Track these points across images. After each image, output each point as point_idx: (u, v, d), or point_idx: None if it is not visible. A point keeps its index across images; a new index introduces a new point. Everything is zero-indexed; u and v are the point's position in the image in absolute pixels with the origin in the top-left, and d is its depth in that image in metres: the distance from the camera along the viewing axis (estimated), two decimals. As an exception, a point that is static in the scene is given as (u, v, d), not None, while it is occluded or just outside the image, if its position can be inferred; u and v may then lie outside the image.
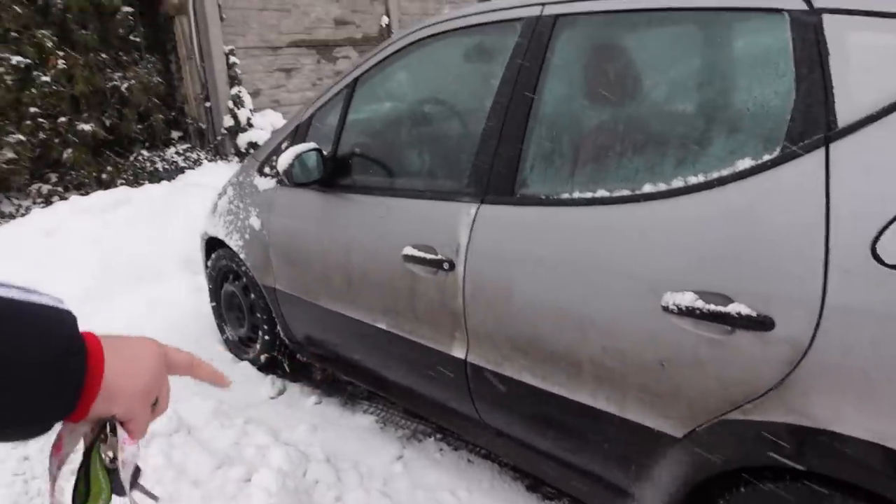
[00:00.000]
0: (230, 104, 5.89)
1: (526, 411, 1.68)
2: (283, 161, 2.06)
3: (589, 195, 1.48)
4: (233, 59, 5.97)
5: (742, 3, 1.30)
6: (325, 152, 2.15)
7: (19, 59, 4.49)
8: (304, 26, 6.83)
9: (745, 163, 1.25)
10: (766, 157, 1.22)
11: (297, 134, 2.40)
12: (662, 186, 1.36)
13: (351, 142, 2.15)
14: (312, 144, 2.13)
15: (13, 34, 4.50)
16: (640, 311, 1.34)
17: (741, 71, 1.40)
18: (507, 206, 1.64)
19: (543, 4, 1.66)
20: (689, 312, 1.26)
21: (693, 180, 1.32)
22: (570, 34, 1.61)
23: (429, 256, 1.78)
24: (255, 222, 2.55)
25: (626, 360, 1.38)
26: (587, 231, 1.46)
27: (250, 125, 5.86)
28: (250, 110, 5.94)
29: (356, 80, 2.16)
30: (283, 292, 2.51)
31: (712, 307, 1.23)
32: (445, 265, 1.74)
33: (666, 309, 1.29)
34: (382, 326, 2.03)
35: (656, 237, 1.34)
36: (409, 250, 1.83)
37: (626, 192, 1.41)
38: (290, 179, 2.06)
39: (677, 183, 1.34)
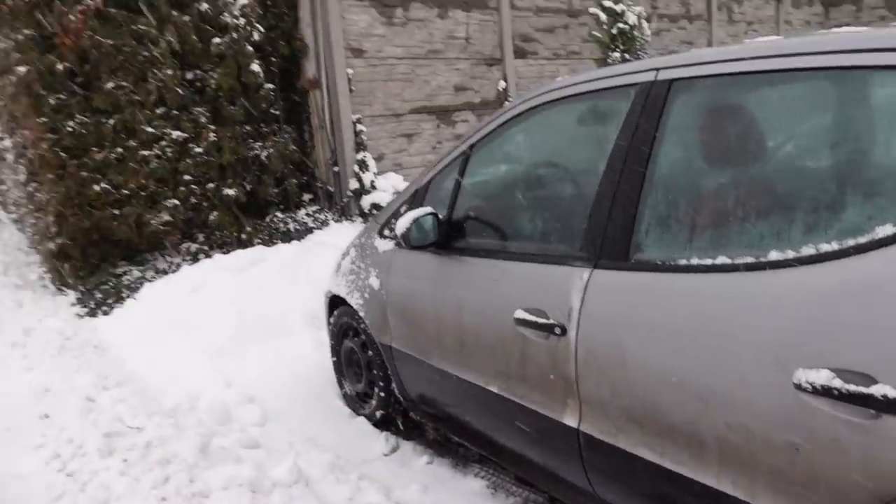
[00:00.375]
0: (356, 168, 6.27)
1: (644, 488, 1.59)
2: (401, 225, 2.16)
3: (709, 262, 1.42)
4: (359, 126, 6.40)
5: (869, 60, 1.23)
6: (440, 216, 2.23)
7: (178, 133, 5.10)
8: (426, 94, 7.21)
9: (887, 229, 1.15)
10: (912, 223, 1.12)
11: (416, 198, 2.51)
12: (791, 254, 1.28)
13: (466, 206, 2.22)
14: (428, 209, 2.22)
15: (174, 112, 5.12)
16: (768, 387, 1.25)
17: (876, 131, 1.31)
18: (621, 272, 1.61)
19: (658, 70, 1.66)
20: (825, 392, 1.16)
21: (826, 248, 1.23)
22: (685, 98, 1.59)
23: (540, 321, 1.77)
24: (374, 282, 2.67)
25: (753, 439, 1.27)
26: (708, 299, 1.40)
27: (374, 187, 6.19)
28: (374, 174, 6.28)
29: (472, 146, 2.24)
30: (398, 350, 2.58)
31: (852, 388, 1.13)
32: (557, 330, 1.72)
33: (798, 387, 1.20)
34: (493, 389, 2.03)
35: (786, 308, 1.25)
36: (520, 314, 1.84)
37: (749, 259, 1.34)
38: (406, 242, 2.15)
39: (808, 250, 1.26)
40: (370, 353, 2.83)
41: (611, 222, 1.66)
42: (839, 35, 1.39)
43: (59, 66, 4.57)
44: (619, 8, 9.79)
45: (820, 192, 1.32)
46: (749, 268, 1.34)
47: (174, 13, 5.06)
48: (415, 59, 7.15)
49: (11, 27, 4.55)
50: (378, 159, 6.63)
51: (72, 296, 4.94)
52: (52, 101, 4.60)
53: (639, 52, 10.16)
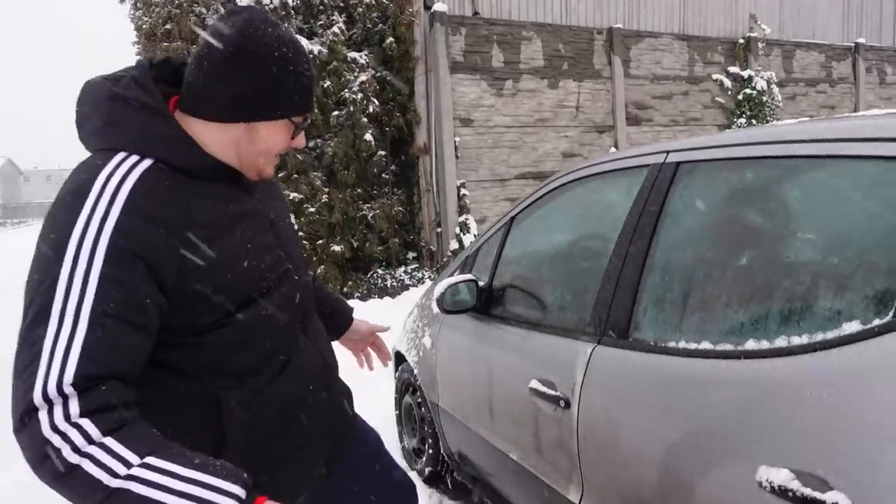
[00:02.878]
0: (457, 230, 6.53)
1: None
2: (438, 290, 2.29)
3: (693, 346, 1.41)
4: (463, 191, 6.69)
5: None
6: (482, 282, 2.34)
7: (296, 194, 5.66)
8: (532, 160, 7.40)
9: (853, 326, 1.11)
10: (877, 322, 1.07)
11: (466, 265, 2.63)
12: (765, 344, 1.25)
13: (502, 274, 2.31)
14: (468, 276, 2.34)
15: (294, 176, 5.71)
16: (735, 484, 1.21)
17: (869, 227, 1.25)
18: (619, 349, 1.62)
19: (668, 152, 1.69)
20: (782, 493, 1.11)
21: (796, 340, 1.20)
22: (688, 181, 1.60)
23: (549, 392, 1.80)
24: (427, 341, 2.80)
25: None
26: (688, 385, 1.38)
27: (472, 249, 6.42)
28: (475, 235, 6.51)
29: (512, 218, 2.34)
30: (444, 409, 2.67)
31: (808, 492, 1.07)
32: (562, 403, 1.74)
33: (760, 485, 1.15)
34: (513, 457, 2.05)
35: (753, 400, 1.22)
36: (534, 383, 1.87)
37: (728, 347, 1.32)
38: (440, 306, 2.28)
39: (780, 342, 1.22)
40: (423, 409, 2.94)
41: (615, 299, 1.68)
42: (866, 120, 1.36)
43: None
44: (746, 73, 9.50)
45: (795, 283, 1.28)
46: (726, 355, 1.31)
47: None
48: (523, 127, 7.39)
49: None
50: (480, 221, 6.86)
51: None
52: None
53: (768, 119, 9.72)
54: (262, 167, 1.17)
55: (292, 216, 1.42)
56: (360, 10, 6.56)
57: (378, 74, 6.48)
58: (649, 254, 1.62)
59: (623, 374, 1.58)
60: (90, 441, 0.90)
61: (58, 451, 0.88)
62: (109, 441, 0.90)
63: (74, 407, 0.90)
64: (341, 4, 6.53)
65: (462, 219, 6.61)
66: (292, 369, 1.24)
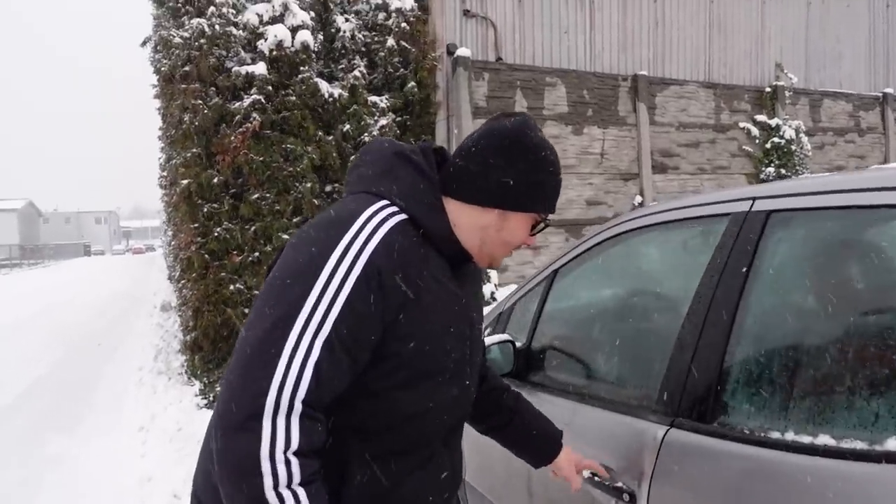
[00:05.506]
0: (478, 279, 6.28)
1: None
2: (471, 352, 2.01)
3: (808, 440, 1.11)
4: (485, 238, 6.47)
5: None
6: (519, 343, 2.06)
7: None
8: (557, 207, 7.17)
9: None
10: None
11: (499, 322, 2.36)
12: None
13: (544, 336, 2.03)
14: (506, 336, 2.06)
15: (310, 217, 5.53)
16: None
17: None
18: (700, 435, 1.33)
19: (754, 199, 1.43)
20: None
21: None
22: (784, 234, 1.33)
23: (607, 482, 1.50)
24: (453, 407, 2.50)
25: None
26: (805, 492, 1.08)
27: (493, 299, 6.10)
28: (495, 285, 6.23)
29: (555, 272, 2.08)
30: (470, 485, 2.35)
31: None
32: (626, 497, 1.44)
33: None
34: (559, 554, 1.73)
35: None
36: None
37: (860, 445, 1.03)
38: (474, 372, 1.99)
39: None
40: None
41: (691, 374, 1.39)
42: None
43: (215, 180, 5.14)
44: (773, 122, 9.32)
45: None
46: (858, 456, 1.02)
47: (320, 134, 5.56)
48: (546, 174, 7.19)
49: (183, 146, 5.25)
50: (501, 271, 6.59)
51: (196, 386, 5.27)
52: (206, 209, 5.15)
53: (797, 168, 9.48)
54: (497, 257, 1.25)
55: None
56: (382, 54, 6.48)
57: (398, 119, 6.35)
58: (736, 320, 1.34)
59: (706, 469, 1.28)
60: (289, 484, 0.92)
61: (261, 477, 0.90)
62: (301, 492, 0.92)
63: (295, 438, 0.92)
64: (363, 49, 6.47)
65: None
66: (430, 470, 1.20)
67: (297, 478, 0.92)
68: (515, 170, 1.16)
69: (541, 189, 1.20)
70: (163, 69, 5.47)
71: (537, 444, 1.56)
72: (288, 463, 0.91)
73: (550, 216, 1.31)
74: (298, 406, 0.93)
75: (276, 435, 0.91)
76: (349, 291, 0.98)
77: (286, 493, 0.91)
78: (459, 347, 1.18)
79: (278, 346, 0.94)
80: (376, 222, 1.05)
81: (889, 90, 10.69)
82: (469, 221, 1.17)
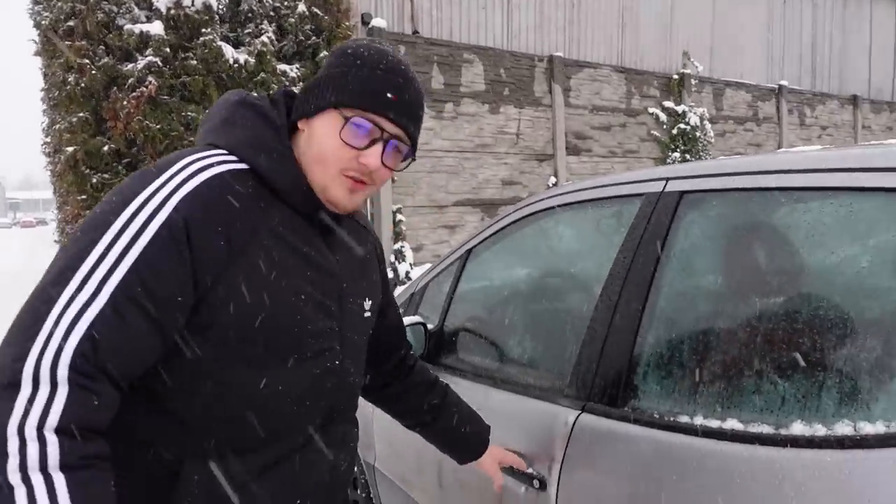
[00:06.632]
0: (392, 258, 6.16)
1: None
2: (380, 335, 1.92)
3: (716, 425, 1.10)
4: (399, 216, 6.34)
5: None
6: (431, 326, 1.99)
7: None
8: (472, 187, 7.15)
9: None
10: None
11: (412, 302, 2.27)
12: (821, 430, 0.96)
13: (456, 318, 1.97)
14: (417, 318, 1.98)
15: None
16: None
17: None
18: (611, 420, 1.30)
19: (667, 179, 1.40)
20: None
21: (868, 428, 0.91)
22: (696, 215, 1.32)
23: (518, 469, 1.46)
24: (363, 391, 2.41)
25: None
26: (713, 475, 1.07)
27: (409, 278, 6.04)
28: (410, 264, 6.16)
29: (469, 251, 2.01)
30: (381, 472, 2.27)
31: None
32: (535, 483, 1.41)
33: None
34: (469, 541, 1.69)
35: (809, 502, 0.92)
36: (498, 455, 1.53)
37: (766, 429, 1.02)
38: (382, 356, 1.90)
39: (843, 428, 0.93)
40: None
41: (603, 357, 1.36)
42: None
43: (106, 148, 4.74)
44: (680, 109, 9.69)
45: (855, 351, 1.00)
46: (763, 441, 1.01)
47: (225, 100, 5.23)
48: (462, 153, 7.15)
49: (67, 109, 4.79)
50: (417, 249, 6.52)
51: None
52: (95, 179, 4.74)
53: (700, 154, 9.93)
54: (327, 186, 1.01)
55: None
56: (292, 20, 6.16)
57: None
58: (648, 303, 1.31)
59: (616, 453, 1.26)
60: (42, 466, 0.76)
61: (6, 457, 0.75)
62: (58, 478, 0.77)
63: (56, 412, 0.78)
64: (272, 14, 6.12)
65: (397, 246, 6.24)
66: (286, 472, 1.03)
67: (53, 459, 0.77)
68: (324, 70, 1.03)
69: (343, 79, 0.99)
70: (43, 22, 4.94)
71: (464, 442, 1.48)
72: (43, 441, 0.77)
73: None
74: (64, 372, 0.79)
75: (32, 406, 0.77)
76: (146, 244, 0.85)
77: (35, 478, 0.76)
78: (319, 321, 1.03)
79: (50, 304, 0.81)
80: (191, 171, 0.92)
81: (784, 82, 11.38)
82: (298, 152, 1.02)
